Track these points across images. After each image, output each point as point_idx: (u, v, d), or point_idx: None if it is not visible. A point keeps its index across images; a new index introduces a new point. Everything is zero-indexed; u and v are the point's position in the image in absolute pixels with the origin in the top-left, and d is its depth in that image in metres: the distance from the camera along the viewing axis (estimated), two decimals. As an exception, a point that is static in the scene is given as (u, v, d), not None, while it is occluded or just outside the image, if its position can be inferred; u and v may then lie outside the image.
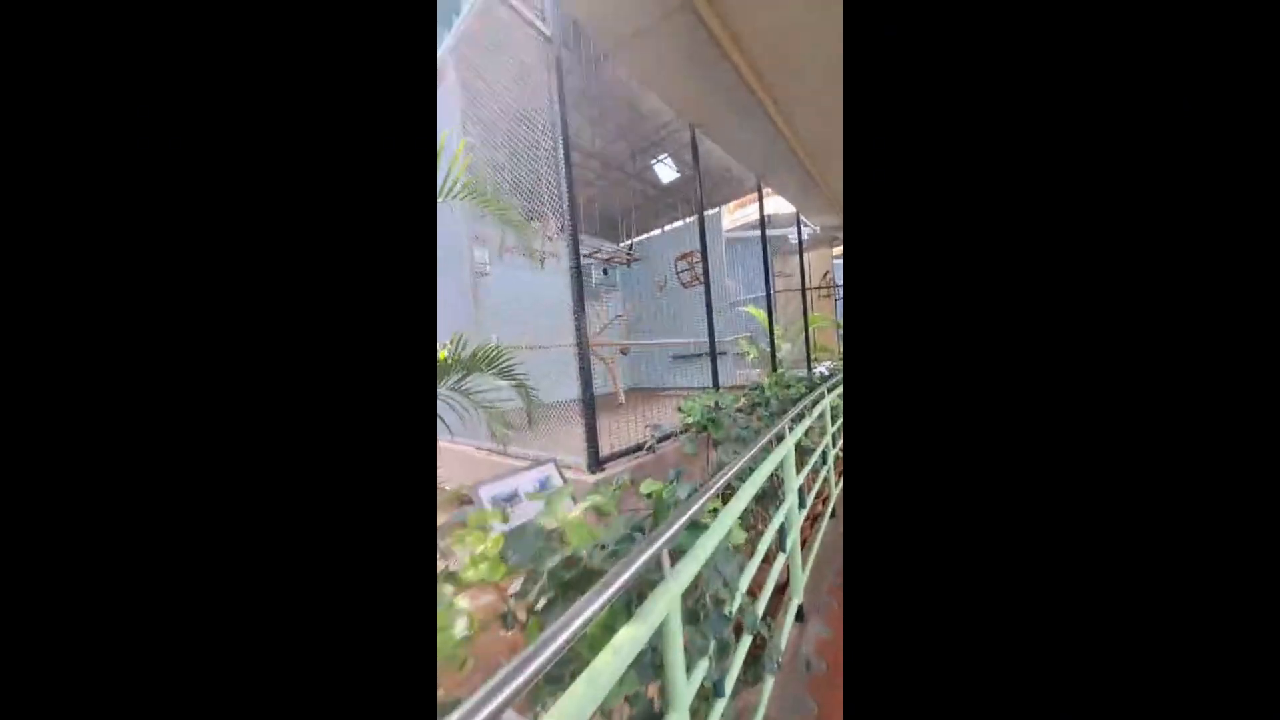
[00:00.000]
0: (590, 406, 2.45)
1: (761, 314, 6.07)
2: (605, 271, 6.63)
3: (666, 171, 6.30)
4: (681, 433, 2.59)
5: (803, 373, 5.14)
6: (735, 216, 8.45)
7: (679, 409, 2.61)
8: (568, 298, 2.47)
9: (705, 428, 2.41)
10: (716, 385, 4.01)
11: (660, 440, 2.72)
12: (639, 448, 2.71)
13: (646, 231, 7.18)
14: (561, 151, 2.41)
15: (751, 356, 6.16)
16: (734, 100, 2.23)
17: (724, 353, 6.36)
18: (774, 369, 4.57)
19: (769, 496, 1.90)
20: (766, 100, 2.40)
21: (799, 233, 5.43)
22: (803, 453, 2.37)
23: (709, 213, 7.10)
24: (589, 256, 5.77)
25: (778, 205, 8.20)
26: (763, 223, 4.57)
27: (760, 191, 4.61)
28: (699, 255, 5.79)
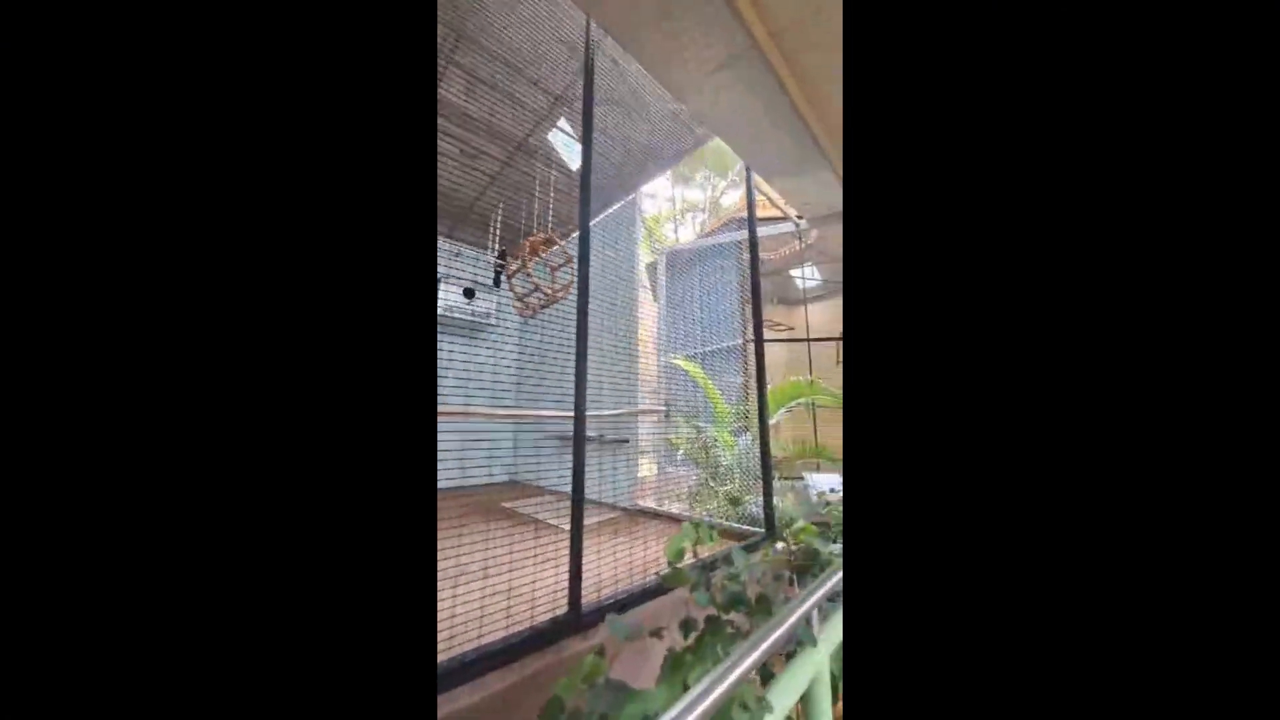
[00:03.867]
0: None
1: (695, 369, 3.32)
2: (469, 294, 4.19)
3: (570, 146, 3.98)
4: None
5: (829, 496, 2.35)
6: (713, 232, 5.89)
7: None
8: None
9: None
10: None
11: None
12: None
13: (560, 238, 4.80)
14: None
15: (684, 449, 3.36)
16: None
17: (625, 440, 3.60)
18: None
19: None
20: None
21: (750, 216, 2.76)
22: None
23: (626, 200, 4.46)
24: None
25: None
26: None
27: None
28: (559, 243, 2.88)
